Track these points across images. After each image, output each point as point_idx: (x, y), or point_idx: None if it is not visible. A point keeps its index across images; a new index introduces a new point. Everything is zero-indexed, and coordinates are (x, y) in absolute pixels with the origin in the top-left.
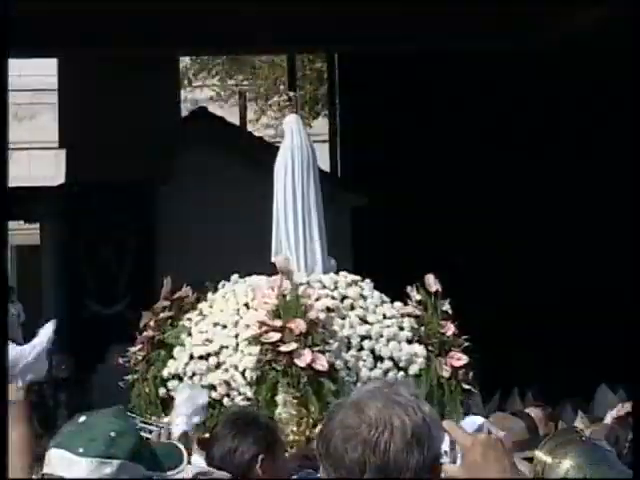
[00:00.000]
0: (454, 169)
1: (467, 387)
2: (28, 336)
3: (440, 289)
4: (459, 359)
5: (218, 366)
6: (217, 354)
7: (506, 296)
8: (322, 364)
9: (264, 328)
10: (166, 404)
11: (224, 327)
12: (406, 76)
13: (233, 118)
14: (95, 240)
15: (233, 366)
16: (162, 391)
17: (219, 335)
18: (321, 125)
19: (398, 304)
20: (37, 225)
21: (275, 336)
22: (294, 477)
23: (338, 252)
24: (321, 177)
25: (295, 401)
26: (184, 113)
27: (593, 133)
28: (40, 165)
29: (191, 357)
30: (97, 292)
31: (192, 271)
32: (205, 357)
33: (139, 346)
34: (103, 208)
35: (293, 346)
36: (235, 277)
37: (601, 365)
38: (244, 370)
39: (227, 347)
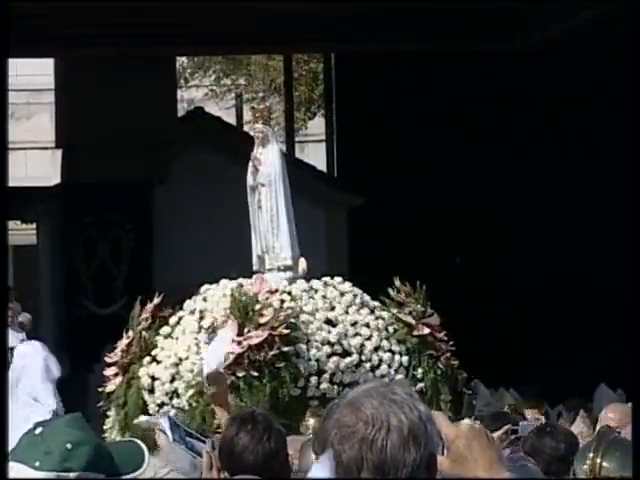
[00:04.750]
0: (451, 169)
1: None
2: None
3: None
4: None
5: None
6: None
7: (504, 296)
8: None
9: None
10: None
11: (334, 325)
12: (404, 76)
13: (229, 118)
14: (92, 240)
15: (385, 362)
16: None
17: (335, 333)
18: (317, 125)
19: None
20: (34, 225)
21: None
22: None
23: (334, 252)
24: (318, 177)
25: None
26: (180, 112)
27: (593, 133)
28: (37, 165)
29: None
30: (94, 292)
31: (188, 271)
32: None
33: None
34: (100, 208)
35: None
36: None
37: (601, 365)
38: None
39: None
